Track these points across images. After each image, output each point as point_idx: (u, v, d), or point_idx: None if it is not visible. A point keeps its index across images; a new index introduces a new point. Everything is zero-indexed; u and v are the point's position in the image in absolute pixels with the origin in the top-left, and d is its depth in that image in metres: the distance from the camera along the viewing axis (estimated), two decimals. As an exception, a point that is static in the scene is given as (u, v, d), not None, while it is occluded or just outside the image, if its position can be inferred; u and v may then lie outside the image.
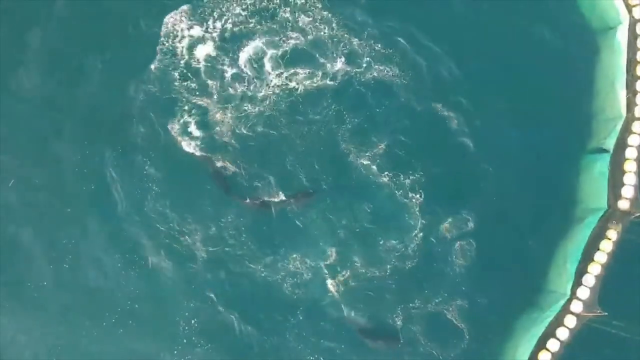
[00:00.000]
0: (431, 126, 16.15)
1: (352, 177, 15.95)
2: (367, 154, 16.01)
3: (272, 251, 15.74)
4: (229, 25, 16.55)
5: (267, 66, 16.38)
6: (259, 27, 16.55)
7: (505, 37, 16.31)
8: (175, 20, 16.57)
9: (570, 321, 14.63)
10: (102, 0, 16.88)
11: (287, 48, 16.44)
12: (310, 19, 16.53)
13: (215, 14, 16.58)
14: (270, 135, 16.12)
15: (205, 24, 16.55)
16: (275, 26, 16.54)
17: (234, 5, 16.63)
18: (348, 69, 16.36)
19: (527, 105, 16.02)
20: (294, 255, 15.69)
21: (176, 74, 16.37)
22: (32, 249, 15.93)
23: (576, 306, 14.66)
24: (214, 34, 16.52)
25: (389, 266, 15.58)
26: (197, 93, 16.31)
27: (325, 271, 15.66)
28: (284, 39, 16.46)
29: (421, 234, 15.69)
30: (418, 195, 15.80)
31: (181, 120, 16.20)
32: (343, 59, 16.38)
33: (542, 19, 16.26)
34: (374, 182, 15.91)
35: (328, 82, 16.28)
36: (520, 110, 16.04)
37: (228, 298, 15.60)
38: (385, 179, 15.90)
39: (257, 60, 16.41)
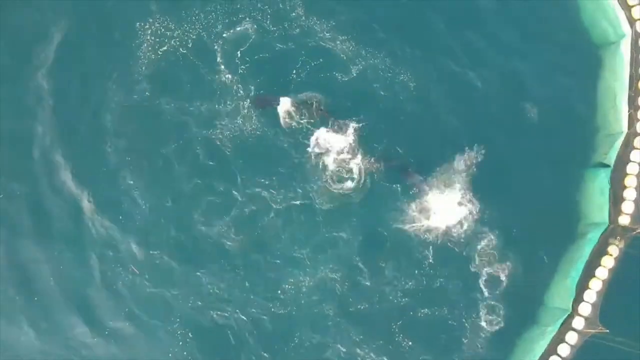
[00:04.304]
0: (427, 143, 15.96)
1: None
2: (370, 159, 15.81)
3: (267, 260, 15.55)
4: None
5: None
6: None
7: (507, 52, 16.11)
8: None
9: (572, 337, 14.66)
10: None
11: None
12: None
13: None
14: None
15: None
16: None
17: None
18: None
19: (528, 119, 15.87)
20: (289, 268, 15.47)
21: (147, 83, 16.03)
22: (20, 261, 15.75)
23: (578, 322, 14.68)
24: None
25: (390, 277, 15.40)
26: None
27: (325, 283, 15.44)
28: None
29: (420, 249, 15.50)
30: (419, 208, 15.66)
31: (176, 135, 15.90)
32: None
33: (544, 33, 16.09)
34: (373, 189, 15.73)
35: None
36: (522, 125, 15.88)
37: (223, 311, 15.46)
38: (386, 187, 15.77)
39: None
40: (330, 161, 15.70)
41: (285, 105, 15.71)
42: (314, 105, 15.78)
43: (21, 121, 16.05)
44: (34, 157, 15.97)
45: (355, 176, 15.65)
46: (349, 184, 15.68)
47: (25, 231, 15.90)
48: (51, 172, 15.93)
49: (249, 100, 15.78)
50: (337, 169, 15.67)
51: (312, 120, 15.80)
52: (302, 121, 15.80)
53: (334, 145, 15.66)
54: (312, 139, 15.68)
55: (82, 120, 16.04)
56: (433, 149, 15.87)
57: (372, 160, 15.66)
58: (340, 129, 15.73)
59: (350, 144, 15.67)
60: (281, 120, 15.74)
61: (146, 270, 15.62)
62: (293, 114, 15.78)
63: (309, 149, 15.66)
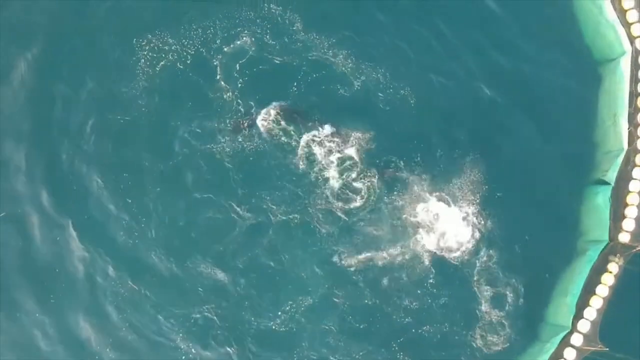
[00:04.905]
0: (427, 159, 15.92)
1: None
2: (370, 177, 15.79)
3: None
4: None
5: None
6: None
7: (505, 69, 16.10)
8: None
9: (570, 354, 14.72)
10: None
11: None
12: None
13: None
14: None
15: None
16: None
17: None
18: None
19: (528, 137, 15.90)
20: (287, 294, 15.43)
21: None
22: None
23: (577, 339, 14.73)
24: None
25: (391, 295, 15.38)
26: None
27: (325, 301, 15.37)
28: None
29: (422, 266, 15.48)
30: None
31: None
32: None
33: (543, 50, 16.06)
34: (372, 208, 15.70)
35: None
36: (522, 142, 15.91)
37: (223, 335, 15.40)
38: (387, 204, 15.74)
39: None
40: (331, 176, 15.68)
41: (263, 115, 15.72)
42: (297, 115, 15.80)
43: (11, 138, 15.95)
44: (24, 174, 15.88)
45: (357, 193, 15.62)
46: (350, 201, 15.64)
47: (26, 247, 15.83)
48: (43, 190, 15.82)
49: (247, 121, 15.77)
50: (339, 186, 15.63)
51: (294, 128, 15.82)
52: (287, 127, 15.80)
53: (332, 159, 15.70)
54: (302, 142, 15.72)
55: (77, 136, 15.90)
56: (434, 165, 15.87)
57: (376, 175, 15.66)
58: (343, 142, 15.73)
59: (351, 157, 15.69)
60: (262, 129, 15.70)
61: (145, 287, 15.53)
62: (279, 122, 15.78)
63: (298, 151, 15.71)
